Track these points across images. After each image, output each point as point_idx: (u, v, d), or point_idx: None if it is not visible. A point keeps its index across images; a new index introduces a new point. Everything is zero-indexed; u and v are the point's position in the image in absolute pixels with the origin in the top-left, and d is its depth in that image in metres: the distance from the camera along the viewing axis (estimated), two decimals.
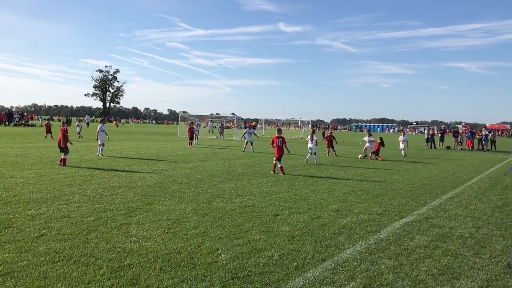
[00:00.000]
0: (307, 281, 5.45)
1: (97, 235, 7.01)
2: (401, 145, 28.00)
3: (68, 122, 17.41)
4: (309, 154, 20.57)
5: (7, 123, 60.80)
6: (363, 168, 19.01)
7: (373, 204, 10.62)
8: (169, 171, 15.42)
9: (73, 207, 8.96)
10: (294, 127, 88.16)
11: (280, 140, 16.44)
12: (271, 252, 6.52)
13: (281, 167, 15.98)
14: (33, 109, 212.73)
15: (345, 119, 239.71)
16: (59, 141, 16.03)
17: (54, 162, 16.55)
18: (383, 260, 6.33)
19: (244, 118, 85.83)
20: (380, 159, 23.90)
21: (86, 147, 25.38)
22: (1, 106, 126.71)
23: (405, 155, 27.23)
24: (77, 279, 5.17)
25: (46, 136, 32.04)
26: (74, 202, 9.49)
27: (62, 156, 15.83)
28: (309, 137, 20.79)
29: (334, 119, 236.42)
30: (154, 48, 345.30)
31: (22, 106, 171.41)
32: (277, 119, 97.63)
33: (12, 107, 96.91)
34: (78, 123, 37.20)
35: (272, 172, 16.05)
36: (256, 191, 11.88)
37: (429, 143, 40.72)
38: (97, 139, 20.45)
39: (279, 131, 17.14)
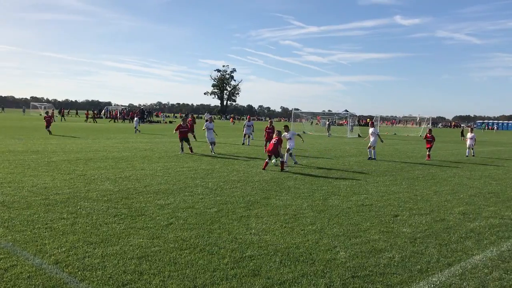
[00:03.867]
0: (432, 285, 5.17)
1: (220, 226, 7.36)
2: (468, 143, 23.97)
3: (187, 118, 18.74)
4: None
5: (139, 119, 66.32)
6: (492, 168, 17.48)
7: (504, 208, 9.73)
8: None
9: (197, 199, 9.51)
10: (412, 125, 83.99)
11: (276, 139, 15.38)
12: (392, 253, 6.29)
13: (282, 162, 14.99)
14: (158, 107, 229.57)
15: (469, 115, 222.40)
16: (185, 132, 19.02)
17: (178, 156, 17.71)
18: None
19: (358, 115, 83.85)
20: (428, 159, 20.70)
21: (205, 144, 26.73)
22: (131, 104, 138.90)
23: (472, 154, 23.50)
24: (203, 266, 5.48)
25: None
26: (197, 194, 10.07)
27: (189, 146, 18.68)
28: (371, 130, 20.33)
29: (456, 116, 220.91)
30: (268, 47, 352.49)
31: (148, 104, 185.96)
32: (392, 116, 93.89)
33: (140, 105, 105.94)
34: (136, 118, 38.74)
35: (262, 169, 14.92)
36: (373, 189, 11.55)
37: None
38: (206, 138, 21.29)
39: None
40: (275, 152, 14.92)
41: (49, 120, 29.44)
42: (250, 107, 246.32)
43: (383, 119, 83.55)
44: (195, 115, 69.42)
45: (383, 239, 6.97)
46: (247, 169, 14.57)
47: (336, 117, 73.15)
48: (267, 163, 14.97)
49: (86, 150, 18.80)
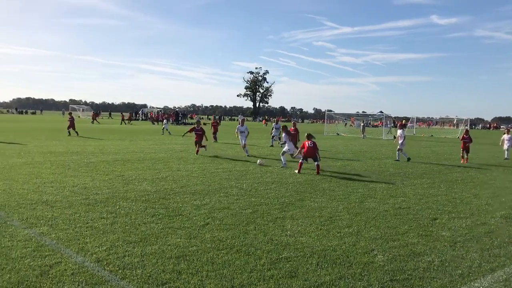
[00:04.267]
0: None
1: (255, 227, 7.40)
2: (506, 145, 22.68)
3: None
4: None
5: (174, 122, 67.22)
6: None
7: None
8: None
9: (232, 200, 9.58)
10: (449, 126, 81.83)
11: (311, 143, 15.09)
12: (431, 257, 6.17)
13: (317, 165, 14.68)
14: (192, 109, 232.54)
15: (509, 117, 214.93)
16: (200, 135, 18.96)
17: (213, 158, 17.87)
18: None
19: (393, 116, 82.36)
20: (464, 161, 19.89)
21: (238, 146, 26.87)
22: (166, 106, 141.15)
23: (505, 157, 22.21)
24: (240, 267, 5.52)
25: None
26: (232, 195, 10.14)
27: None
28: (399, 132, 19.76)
29: (496, 117, 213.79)
30: (301, 48, 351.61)
31: (183, 106, 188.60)
32: (429, 117, 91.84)
33: (175, 107, 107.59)
34: (165, 120, 40.60)
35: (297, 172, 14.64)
36: (410, 192, 11.34)
37: None
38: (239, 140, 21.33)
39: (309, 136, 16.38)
40: (313, 155, 14.77)
41: (72, 121, 30.04)
42: (282, 108, 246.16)
43: (419, 120, 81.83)
44: (216, 117, 69.99)
45: (422, 243, 6.83)
46: (281, 171, 14.57)
47: (371, 118, 72.20)
48: (301, 165, 14.83)
49: (123, 152, 19.23)
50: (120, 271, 5.24)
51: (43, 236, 6.47)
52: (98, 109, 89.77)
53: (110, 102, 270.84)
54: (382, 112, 57.23)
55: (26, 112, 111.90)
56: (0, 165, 13.51)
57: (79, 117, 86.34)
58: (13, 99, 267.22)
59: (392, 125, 58.50)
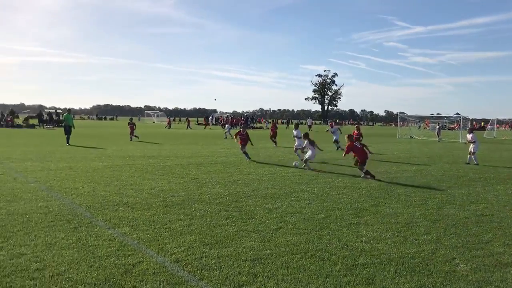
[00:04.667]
0: None
1: (329, 232, 7.32)
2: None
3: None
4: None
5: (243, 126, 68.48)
6: None
7: None
8: (391, 173, 15.10)
9: (303, 204, 9.55)
10: None
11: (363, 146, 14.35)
12: None
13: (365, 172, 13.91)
14: (260, 113, 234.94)
15: None
16: (245, 139, 18.75)
17: (282, 161, 17.92)
18: None
19: (471, 118, 78.05)
20: None
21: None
22: (235, 111, 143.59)
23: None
24: (315, 272, 5.48)
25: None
26: (304, 199, 10.10)
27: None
28: None
29: None
30: (371, 49, 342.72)
31: (251, 111, 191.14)
32: (510, 119, 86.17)
33: (243, 112, 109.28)
34: (227, 125, 41.11)
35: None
36: (493, 199, 10.70)
37: None
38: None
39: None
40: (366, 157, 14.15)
41: (132, 127, 31.22)
42: (352, 111, 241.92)
43: (500, 122, 77.01)
44: (276, 120, 69.76)
45: (508, 253, 6.42)
46: (352, 175, 14.30)
47: (447, 120, 68.97)
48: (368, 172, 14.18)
49: (196, 155, 19.80)
50: (198, 272, 5.40)
51: (125, 236, 6.81)
52: (172, 115, 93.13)
53: (182, 108, 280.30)
54: (459, 114, 54.53)
55: (105, 118, 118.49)
56: (84, 169, 14.39)
57: (153, 122, 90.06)
58: (93, 106, 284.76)
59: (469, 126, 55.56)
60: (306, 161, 15.95)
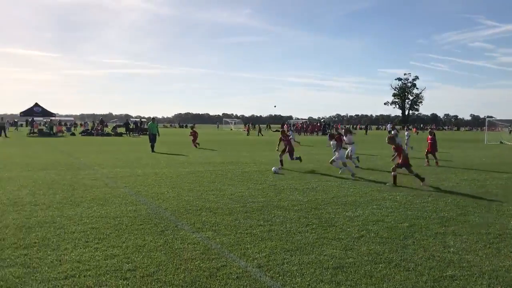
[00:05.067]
0: None
1: (414, 242, 7.05)
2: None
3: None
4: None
5: (319, 133, 67.88)
6: None
7: None
8: (480, 181, 14.25)
9: (386, 212, 9.29)
10: None
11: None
12: None
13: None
14: (336, 119, 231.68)
15: None
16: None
17: (362, 168, 17.55)
18: None
19: None
20: None
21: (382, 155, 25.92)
22: (311, 117, 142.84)
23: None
24: (400, 282, 5.31)
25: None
26: (386, 207, 9.82)
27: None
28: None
29: None
30: (454, 50, 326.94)
31: (327, 117, 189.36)
32: None
33: (319, 118, 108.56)
34: (290, 132, 39.07)
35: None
36: None
37: None
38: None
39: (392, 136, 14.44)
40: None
41: (194, 135, 31.84)
42: (434, 116, 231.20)
43: None
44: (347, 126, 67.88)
45: None
46: (437, 182, 13.67)
47: None
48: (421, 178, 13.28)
49: (273, 162, 19.88)
50: (280, 277, 5.44)
51: (209, 240, 7.03)
52: (249, 122, 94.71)
53: (258, 115, 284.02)
54: None
55: (186, 126, 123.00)
56: (168, 174, 15.05)
57: (231, 129, 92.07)
58: (174, 114, 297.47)
59: None
60: (332, 162, 15.90)
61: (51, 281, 5.23)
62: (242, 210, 9.28)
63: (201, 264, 5.88)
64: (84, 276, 5.40)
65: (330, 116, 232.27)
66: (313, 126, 73.98)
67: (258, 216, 8.79)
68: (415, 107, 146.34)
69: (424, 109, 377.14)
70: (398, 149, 13.76)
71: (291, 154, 17.70)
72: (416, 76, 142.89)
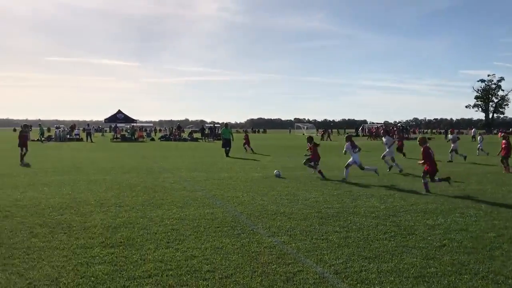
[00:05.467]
0: None
1: (502, 253, 6.63)
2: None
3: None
4: None
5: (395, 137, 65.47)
6: None
7: None
8: None
9: (469, 221, 8.80)
10: None
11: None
12: None
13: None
14: (414, 123, 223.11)
15: None
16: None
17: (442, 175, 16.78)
18: None
19: None
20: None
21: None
22: (386, 121, 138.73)
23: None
24: None
25: None
26: (469, 215, 9.31)
27: None
28: None
29: None
30: None
31: (404, 121, 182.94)
32: None
33: (395, 122, 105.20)
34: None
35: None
36: None
37: None
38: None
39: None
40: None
41: (247, 139, 31.75)
42: None
43: None
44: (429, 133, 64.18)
45: None
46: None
47: None
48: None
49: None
50: (358, 285, 5.34)
51: (284, 245, 7.06)
52: (321, 127, 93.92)
53: (331, 119, 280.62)
54: None
55: (258, 131, 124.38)
56: (242, 179, 15.31)
57: (303, 134, 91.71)
58: (247, 119, 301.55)
59: None
60: (347, 166, 15.53)
61: (136, 279, 5.51)
62: (317, 216, 9.22)
63: (278, 268, 5.91)
64: (166, 276, 5.64)
65: (407, 120, 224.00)
66: (386, 130, 71.48)
67: (334, 222, 8.69)
68: (500, 110, 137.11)
69: (511, 112, 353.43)
70: (424, 154, 12.82)
71: (313, 162, 16.51)
72: (501, 77, 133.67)
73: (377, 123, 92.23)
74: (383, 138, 19.50)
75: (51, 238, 7.36)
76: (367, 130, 78.20)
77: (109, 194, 11.91)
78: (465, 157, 23.02)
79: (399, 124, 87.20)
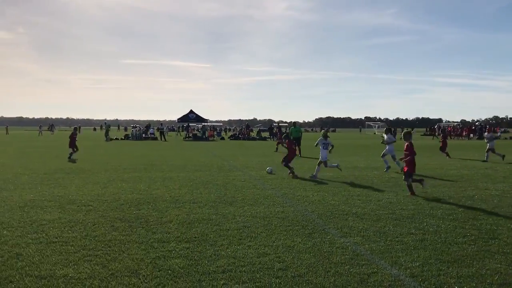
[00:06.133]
0: None
1: None
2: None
3: None
4: None
5: (474, 136, 61.96)
6: None
7: None
8: None
9: None
10: None
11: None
12: None
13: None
14: (493, 121, 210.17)
15: None
16: None
17: None
18: None
19: None
20: None
21: None
22: (463, 120, 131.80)
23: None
24: None
25: None
26: None
27: None
28: None
29: None
30: None
31: (483, 119, 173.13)
32: None
33: (474, 120, 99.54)
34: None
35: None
36: None
37: None
38: None
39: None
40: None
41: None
42: None
43: None
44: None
45: None
46: None
47: None
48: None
49: (424, 168, 18.74)
50: None
51: (357, 246, 6.92)
52: (393, 125, 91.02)
53: (403, 118, 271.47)
54: None
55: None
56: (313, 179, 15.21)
57: (374, 133, 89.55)
58: (316, 118, 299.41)
59: None
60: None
61: (210, 274, 5.65)
62: (391, 217, 8.96)
63: (351, 269, 5.82)
64: (240, 272, 5.73)
65: (486, 119, 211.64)
66: (462, 129, 67.72)
67: (409, 224, 8.40)
68: None
69: None
70: (408, 149, 12.01)
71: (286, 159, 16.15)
72: None
73: (453, 122, 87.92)
74: (384, 136, 18.66)
75: (130, 232, 7.74)
76: (438, 129, 73.79)
77: (183, 190, 12.31)
78: (503, 157, 21.55)
79: (477, 123, 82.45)
